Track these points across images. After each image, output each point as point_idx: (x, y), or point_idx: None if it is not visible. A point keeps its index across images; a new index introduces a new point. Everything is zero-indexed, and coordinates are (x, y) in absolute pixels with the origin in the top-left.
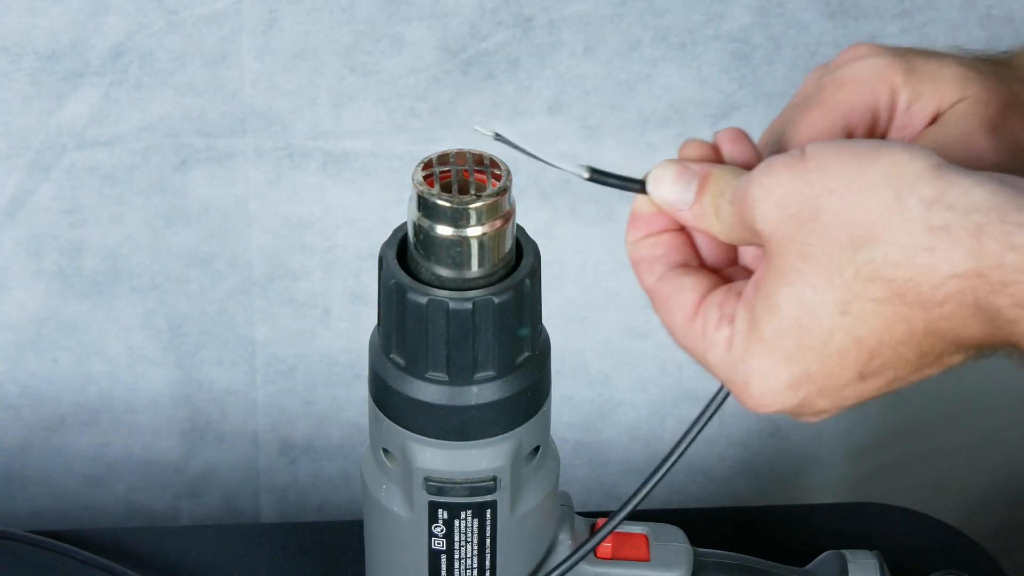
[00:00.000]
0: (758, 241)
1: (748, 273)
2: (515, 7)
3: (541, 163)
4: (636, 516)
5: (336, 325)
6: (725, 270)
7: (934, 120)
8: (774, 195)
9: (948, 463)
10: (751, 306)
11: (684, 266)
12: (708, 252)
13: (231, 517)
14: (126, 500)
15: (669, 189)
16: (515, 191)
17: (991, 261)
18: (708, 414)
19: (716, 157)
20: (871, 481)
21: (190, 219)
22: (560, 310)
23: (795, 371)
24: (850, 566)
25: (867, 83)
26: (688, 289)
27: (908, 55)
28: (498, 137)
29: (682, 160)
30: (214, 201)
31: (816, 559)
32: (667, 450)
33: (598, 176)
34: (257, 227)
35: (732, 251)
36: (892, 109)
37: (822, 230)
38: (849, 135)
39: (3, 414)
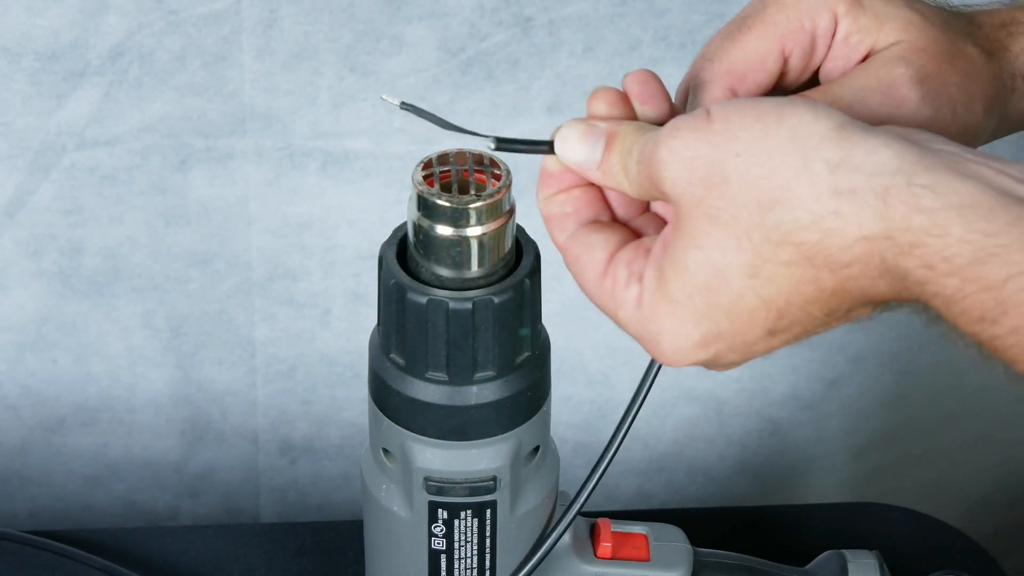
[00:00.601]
0: (666, 200)
1: (658, 222)
2: (515, 7)
3: (449, 131)
4: (636, 516)
5: (336, 325)
6: (635, 220)
7: (867, 57)
8: (681, 158)
9: (948, 463)
10: (660, 266)
11: (594, 223)
12: (619, 205)
13: (231, 517)
14: (126, 500)
15: (576, 149)
16: (515, 191)
17: (898, 224)
18: (647, 386)
19: (626, 108)
20: (871, 481)
21: (190, 219)
22: (560, 310)
23: (705, 330)
24: (850, 566)
25: (808, 8)
26: (598, 247)
27: None
28: (404, 105)
29: (589, 118)
30: (214, 201)
31: (816, 559)
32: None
33: (504, 144)
34: (257, 227)
35: (643, 204)
36: (830, 37)
37: (730, 194)
38: (784, 59)
39: (3, 414)
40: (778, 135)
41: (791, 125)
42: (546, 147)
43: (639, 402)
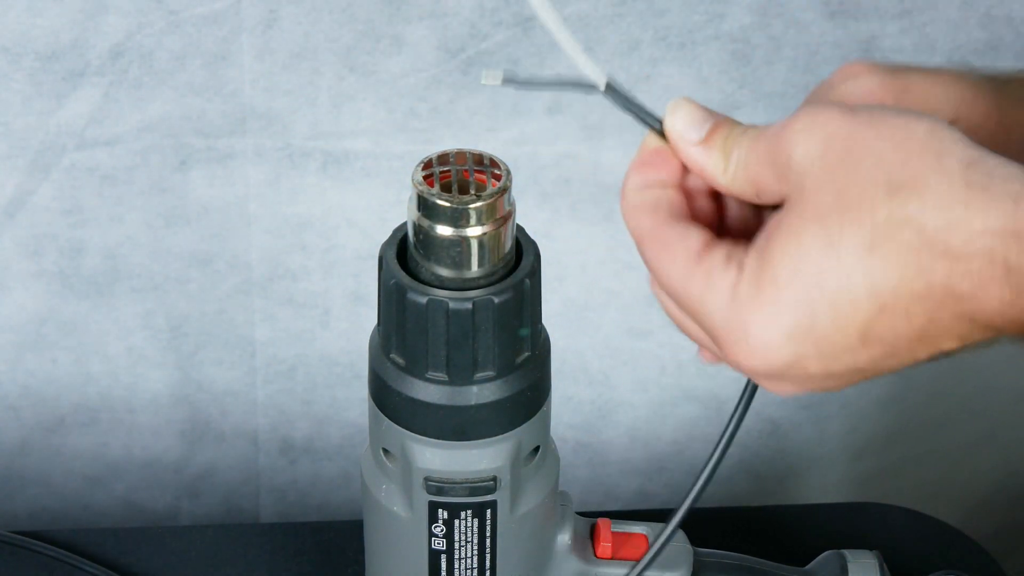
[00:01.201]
0: (768, 189)
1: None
2: (515, 7)
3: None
4: (636, 516)
5: (336, 325)
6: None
7: None
8: (819, 133)
9: (948, 463)
10: (766, 247)
11: (686, 216)
12: (708, 213)
13: (231, 517)
14: (126, 500)
15: (683, 119)
16: (515, 191)
17: None
18: (741, 407)
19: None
20: (871, 481)
21: (190, 219)
22: (560, 310)
23: (799, 317)
24: (850, 566)
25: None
26: (693, 235)
27: (901, 74)
28: (507, 82)
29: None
30: (214, 201)
31: (816, 559)
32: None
33: (615, 95)
34: (257, 227)
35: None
36: None
37: (863, 171)
38: None
39: (3, 414)
40: (917, 131)
41: (930, 127)
42: (653, 120)
43: (734, 423)
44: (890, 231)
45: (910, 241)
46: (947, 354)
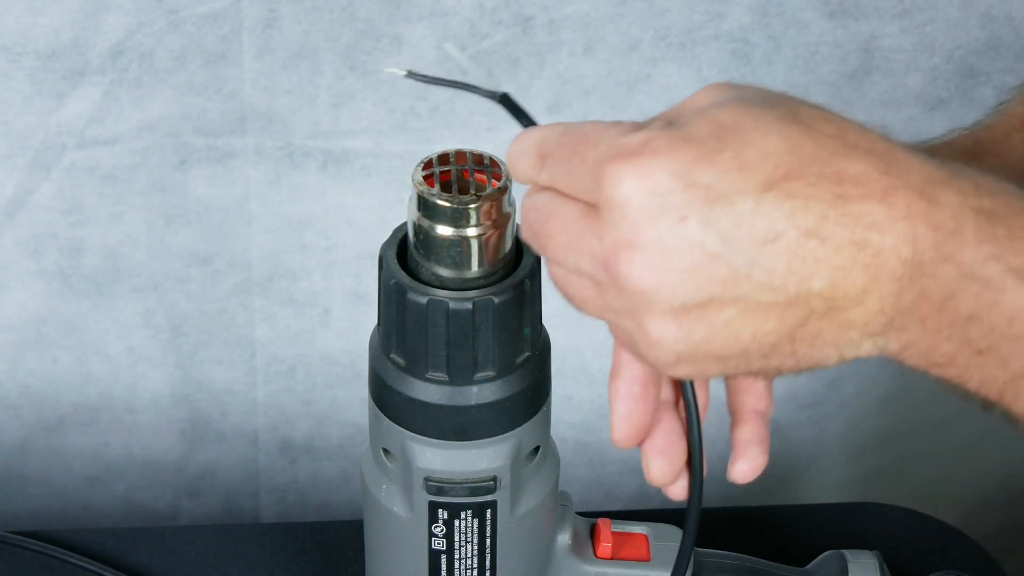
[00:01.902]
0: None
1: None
2: (515, 7)
3: (459, 90)
4: (636, 516)
5: (336, 325)
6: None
7: None
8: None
9: (948, 463)
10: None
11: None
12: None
13: (231, 517)
14: (126, 500)
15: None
16: (515, 191)
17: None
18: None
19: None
20: (871, 481)
21: (190, 219)
22: (560, 310)
23: (701, 150)
24: (850, 566)
25: None
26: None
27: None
28: (411, 74)
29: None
30: (214, 201)
31: (816, 559)
32: None
33: (508, 103)
34: (257, 227)
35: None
36: None
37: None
38: None
39: (3, 414)
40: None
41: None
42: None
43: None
44: (810, 112)
45: (829, 126)
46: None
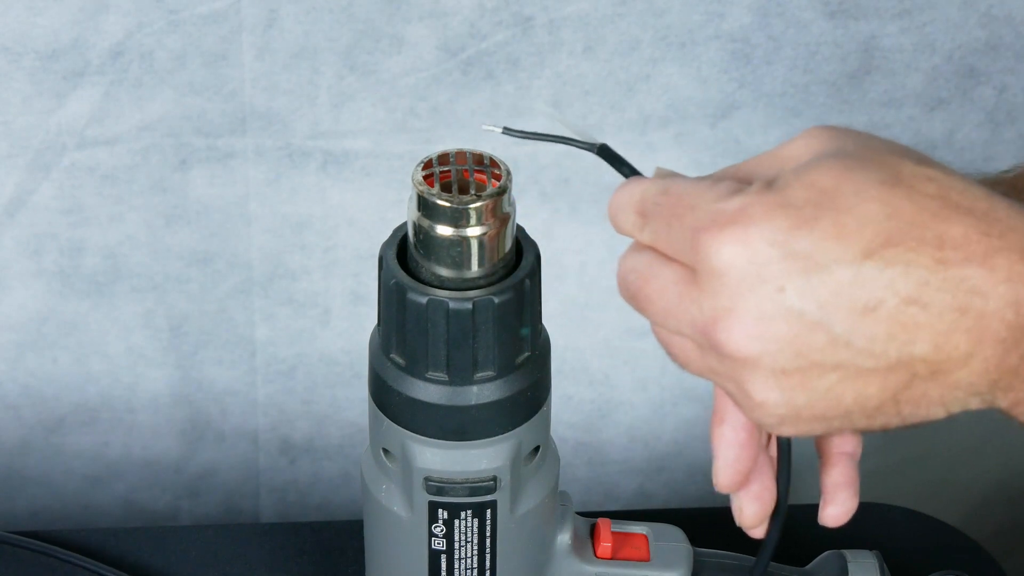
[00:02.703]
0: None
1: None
2: (515, 7)
3: (557, 142)
4: (636, 516)
5: (336, 325)
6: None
7: None
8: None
9: (948, 463)
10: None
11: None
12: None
13: (231, 517)
14: (126, 500)
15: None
16: (515, 191)
17: None
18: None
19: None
20: (871, 481)
21: (190, 219)
22: (560, 310)
23: (798, 218)
24: (850, 566)
25: None
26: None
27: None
28: (507, 131)
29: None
30: (214, 201)
31: (816, 559)
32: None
33: (607, 154)
34: (257, 227)
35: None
36: None
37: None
38: None
39: (3, 414)
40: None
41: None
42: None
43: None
44: (913, 171)
45: (930, 187)
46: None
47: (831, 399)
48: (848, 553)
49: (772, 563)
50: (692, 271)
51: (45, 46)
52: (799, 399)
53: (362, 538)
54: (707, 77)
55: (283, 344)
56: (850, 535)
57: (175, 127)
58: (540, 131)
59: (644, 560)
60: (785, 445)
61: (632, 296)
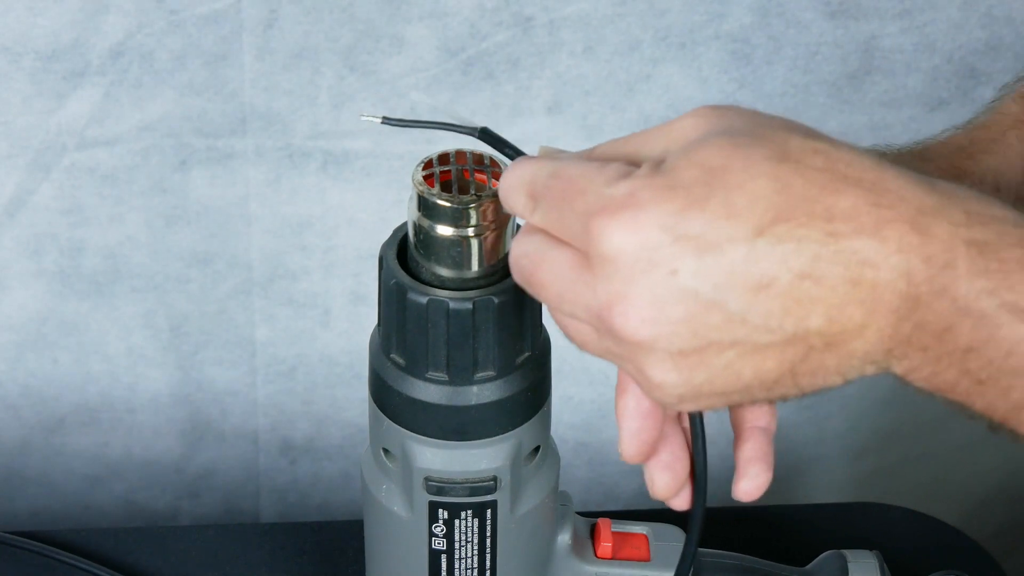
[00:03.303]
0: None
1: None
2: (515, 7)
3: (438, 128)
4: (636, 516)
5: (336, 325)
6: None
7: None
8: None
9: (948, 463)
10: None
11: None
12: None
13: (231, 517)
14: (126, 500)
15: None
16: None
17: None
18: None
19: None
20: (871, 481)
21: (190, 219)
22: None
23: (687, 199)
24: (850, 566)
25: None
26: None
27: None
28: (386, 120)
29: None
30: (214, 201)
31: (816, 559)
32: None
33: (488, 138)
34: (257, 227)
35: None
36: None
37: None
38: None
39: (3, 414)
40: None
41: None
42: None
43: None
44: (800, 146)
45: (818, 160)
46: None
47: (730, 375)
48: (848, 553)
49: (772, 563)
50: (585, 255)
51: (45, 46)
52: (697, 378)
53: (362, 538)
54: (707, 77)
55: (283, 344)
56: (850, 535)
57: (175, 127)
58: (420, 119)
59: (644, 560)
60: (696, 417)
61: (526, 280)
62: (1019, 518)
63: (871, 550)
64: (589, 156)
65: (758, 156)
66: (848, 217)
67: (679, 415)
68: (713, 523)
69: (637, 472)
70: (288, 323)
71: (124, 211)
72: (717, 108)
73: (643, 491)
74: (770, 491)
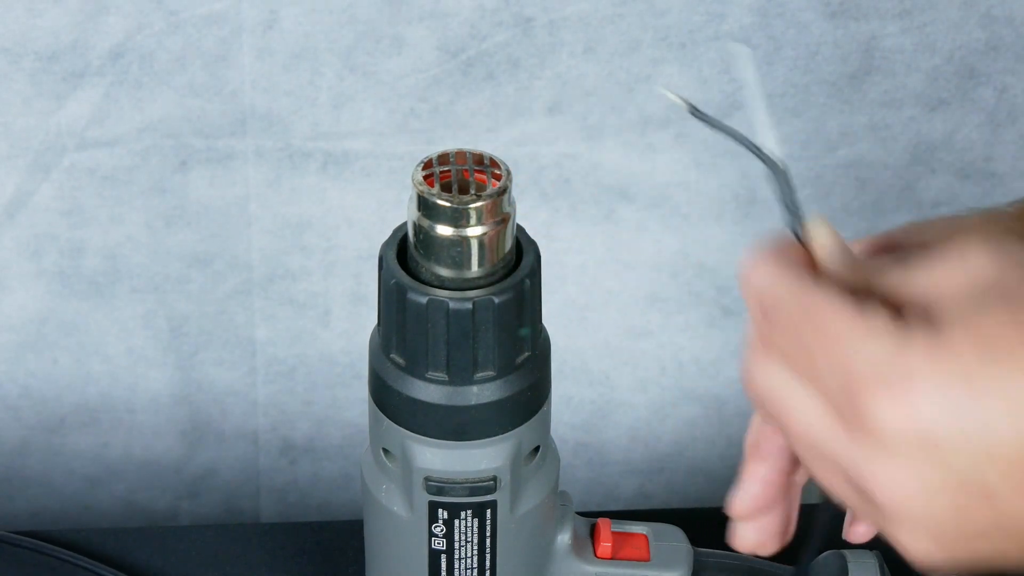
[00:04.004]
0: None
1: None
2: (515, 7)
3: (741, 142)
4: (636, 516)
5: (336, 325)
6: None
7: None
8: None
9: None
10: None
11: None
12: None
13: (231, 517)
14: (126, 500)
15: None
16: (515, 191)
17: None
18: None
19: None
20: None
21: (190, 220)
22: (560, 310)
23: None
24: (850, 566)
25: None
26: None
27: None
28: (693, 112)
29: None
30: (214, 201)
31: (816, 559)
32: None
33: (783, 179)
34: (257, 228)
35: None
36: None
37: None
38: None
39: (3, 414)
40: None
41: None
42: (801, 218)
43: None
44: None
45: None
46: None
47: (995, 553)
48: (848, 553)
49: (772, 563)
50: (838, 409)
51: (45, 47)
52: (959, 554)
53: (362, 538)
54: (707, 77)
55: (283, 345)
56: None
57: (175, 128)
58: (733, 129)
59: (644, 560)
60: (830, 506)
61: (768, 416)
62: None
63: (871, 550)
64: (849, 300)
65: None
66: None
67: (794, 472)
68: (713, 523)
69: (637, 472)
70: (288, 323)
71: (124, 212)
72: (988, 252)
73: (643, 491)
74: None
